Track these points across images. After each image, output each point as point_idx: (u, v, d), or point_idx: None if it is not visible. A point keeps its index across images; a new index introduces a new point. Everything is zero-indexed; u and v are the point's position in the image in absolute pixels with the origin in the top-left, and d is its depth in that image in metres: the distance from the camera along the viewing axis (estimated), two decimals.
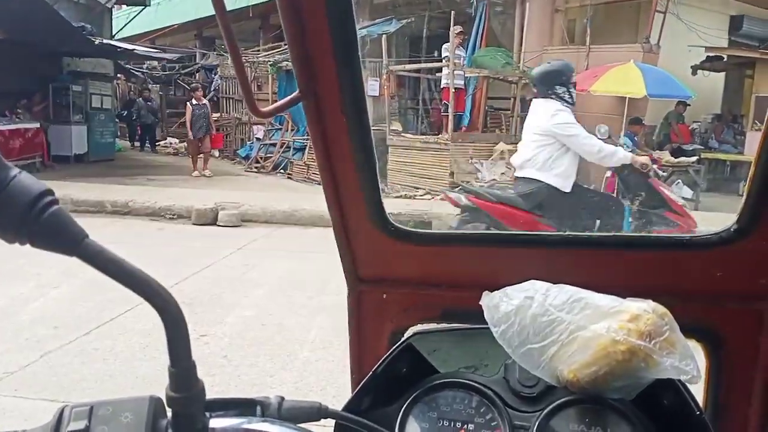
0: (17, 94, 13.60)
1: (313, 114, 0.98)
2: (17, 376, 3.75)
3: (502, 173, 11.04)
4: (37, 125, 13.11)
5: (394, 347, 0.95)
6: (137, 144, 19.67)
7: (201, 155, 13.63)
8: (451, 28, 11.36)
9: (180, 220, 8.77)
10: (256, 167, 14.68)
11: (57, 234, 0.60)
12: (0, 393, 3.54)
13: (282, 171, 14.10)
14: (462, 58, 11.62)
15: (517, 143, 11.56)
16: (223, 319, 4.77)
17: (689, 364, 0.71)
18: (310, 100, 0.96)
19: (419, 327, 1.14)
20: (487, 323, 0.84)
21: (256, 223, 8.67)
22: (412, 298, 1.14)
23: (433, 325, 1.13)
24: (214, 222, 8.46)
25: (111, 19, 17.29)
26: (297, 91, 0.96)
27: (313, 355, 4.22)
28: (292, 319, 4.89)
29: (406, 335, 1.04)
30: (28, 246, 0.62)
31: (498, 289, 0.87)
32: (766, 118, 0.94)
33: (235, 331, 4.55)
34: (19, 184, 0.58)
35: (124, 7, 18.86)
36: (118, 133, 18.53)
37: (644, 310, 0.73)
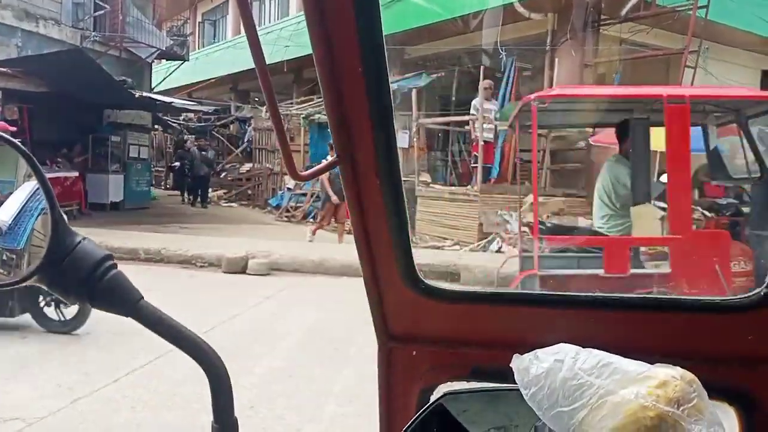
0: (58, 144, 14.11)
1: (350, 176, 1.02)
2: (47, 421, 3.79)
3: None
4: (76, 174, 13.54)
5: (426, 407, 0.96)
6: (189, 198, 17.84)
7: (332, 223, 11.55)
8: (481, 83, 11.56)
9: (211, 268, 8.88)
10: (286, 216, 14.87)
11: (115, 296, 0.65)
12: None
13: (312, 220, 14.24)
14: (492, 112, 11.76)
15: (547, 195, 11.60)
16: (251, 369, 4.77)
17: None
18: (347, 163, 1.00)
19: (449, 385, 1.15)
20: (516, 383, 0.85)
21: (285, 272, 8.73)
22: (442, 357, 1.15)
23: (462, 384, 1.13)
24: (244, 270, 8.55)
25: (151, 73, 17.99)
26: (335, 155, 1.01)
27: (340, 408, 4.19)
28: (318, 371, 4.87)
29: (436, 395, 1.05)
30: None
31: (527, 349, 0.88)
32: None
33: (263, 382, 4.55)
34: (83, 250, 0.63)
35: (163, 61, 19.62)
36: (153, 182, 18.71)
37: (672, 376, 0.74)
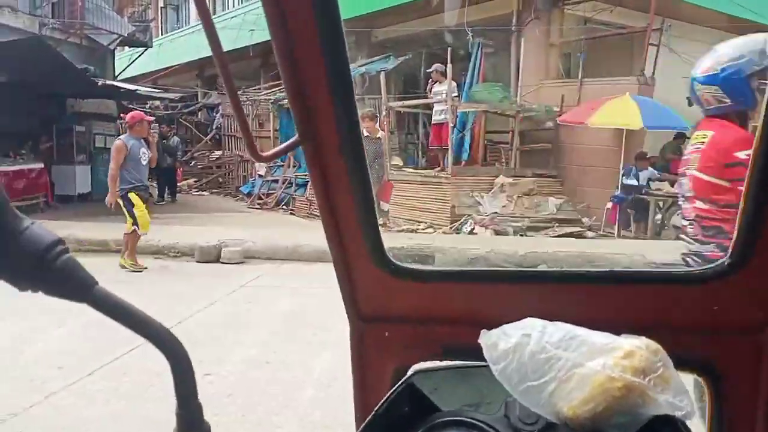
0: (22, 135, 13.75)
1: (312, 156, 1.01)
2: (21, 418, 3.73)
3: (503, 206, 11.09)
4: (41, 166, 13.23)
5: (395, 387, 0.97)
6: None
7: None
8: (435, 66, 11.77)
9: (184, 257, 8.79)
10: (258, 204, 14.74)
11: (68, 282, 0.63)
12: None
13: (284, 207, 14.15)
14: (443, 94, 11.71)
15: (517, 176, 11.70)
16: (227, 357, 4.75)
17: (683, 400, 0.73)
18: (309, 143, 0.99)
19: (422, 364, 1.15)
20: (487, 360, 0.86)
21: (259, 260, 8.69)
22: (414, 336, 1.16)
23: (435, 363, 1.14)
24: (217, 259, 8.47)
25: (114, 61, 17.57)
26: (296, 136, 1.00)
27: (318, 392, 4.20)
28: (295, 357, 4.88)
29: (410, 374, 1.05)
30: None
31: (497, 325, 0.89)
32: (751, 154, 0.96)
33: (240, 370, 4.54)
34: (31, 234, 0.61)
35: (126, 48, 19.18)
36: None
37: (638, 346, 0.76)
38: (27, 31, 13.80)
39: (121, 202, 7.79)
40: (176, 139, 16.90)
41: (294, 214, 13.45)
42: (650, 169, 11.25)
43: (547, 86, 12.85)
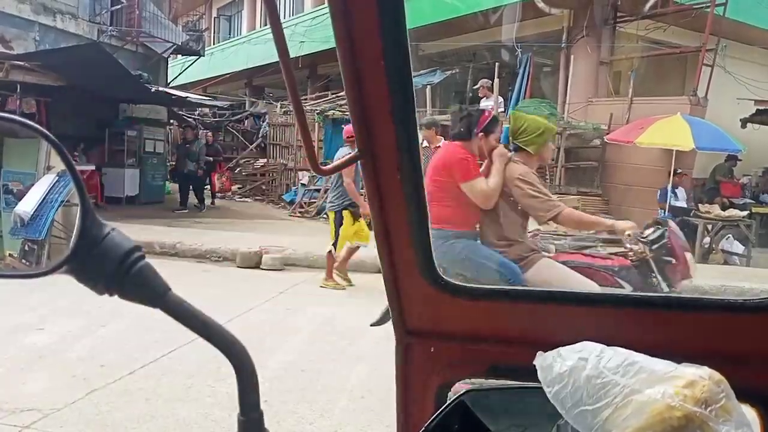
0: (76, 138, 14.22)
1: (370, 172, 1.02)
2: (63, 412, 3.83)
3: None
4: (92, 167, 13.65)
5: (448, 403, 0.96)
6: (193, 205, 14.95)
7: None
8: (482, 81, 11.71)
9: (225, 262, 8.92)
10: (300, 212, 14.88)
11: (143, 287, 0.65)
12: (46, 428, 3.62)
13: (325, 216, 14.25)
14: (490, 108, 11.66)
15: (561, 193, 11.52)
16: (264, 363, 4.79)
17: None
18: (368, 159, 1.00)
19: (467, 381, 1.14)
20: (537, 381, 0.84)
21: (299, 268, 8.76)
22: (460, 353, 1.15)
23: (479, 381, 1.13)
24: (257, 265, 8.57)
25: (167, 68, 18.05)
26: (356, 150, 1.01)
27: (352, 403, 4.20)
28: (331, 366, 4.89)
29: (458, 391, 1.04)
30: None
31: (547, 347, 0.87)
32: None
33: (276, 377, 4.56)
34: (111, 241, 0.63)
35: (179, 56, 19.72)
36: (168, 177, 18.21)
37: (700, 376, 0.73)
38: (86, 38, 14.34)
39: (332, 216, 7.53)
40: (200, 142, 15.70)
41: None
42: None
43: (596, 104, 12.69)
